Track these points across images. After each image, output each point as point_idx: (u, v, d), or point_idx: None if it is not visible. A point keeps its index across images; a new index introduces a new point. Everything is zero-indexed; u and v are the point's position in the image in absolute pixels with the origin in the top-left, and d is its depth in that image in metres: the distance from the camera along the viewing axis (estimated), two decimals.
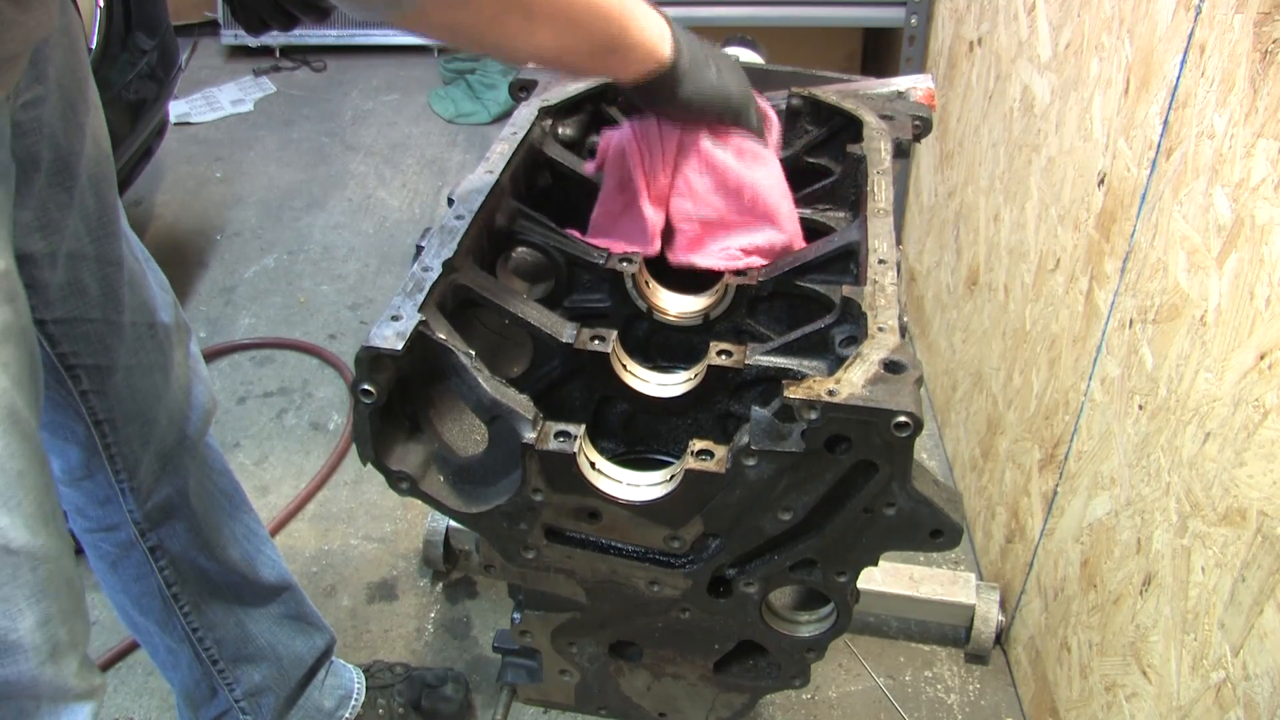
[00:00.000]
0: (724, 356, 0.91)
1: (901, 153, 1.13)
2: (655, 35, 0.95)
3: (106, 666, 1.99)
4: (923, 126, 1.19)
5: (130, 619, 1.53)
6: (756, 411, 0.79)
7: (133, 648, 1.99)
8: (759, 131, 1.07)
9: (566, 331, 0.94)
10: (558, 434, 0.82)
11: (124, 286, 1.25)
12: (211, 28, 4.82)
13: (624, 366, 0.96)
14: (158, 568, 1.43)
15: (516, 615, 1.04)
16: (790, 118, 1.21)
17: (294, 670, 1.65)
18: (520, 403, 0.82)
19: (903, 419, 0.72)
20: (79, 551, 1.46)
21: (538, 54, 0.90)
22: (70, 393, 1.24)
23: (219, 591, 1.51)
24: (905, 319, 0.87)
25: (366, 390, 0.77)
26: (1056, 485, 1.73)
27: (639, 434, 1.06)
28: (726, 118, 1.04)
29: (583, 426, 0.83)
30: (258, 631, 1.58)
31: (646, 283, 1.09)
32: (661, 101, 1.01)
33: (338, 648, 1.77)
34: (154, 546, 1.42)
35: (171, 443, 1.38)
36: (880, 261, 0.91)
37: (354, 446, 0.84)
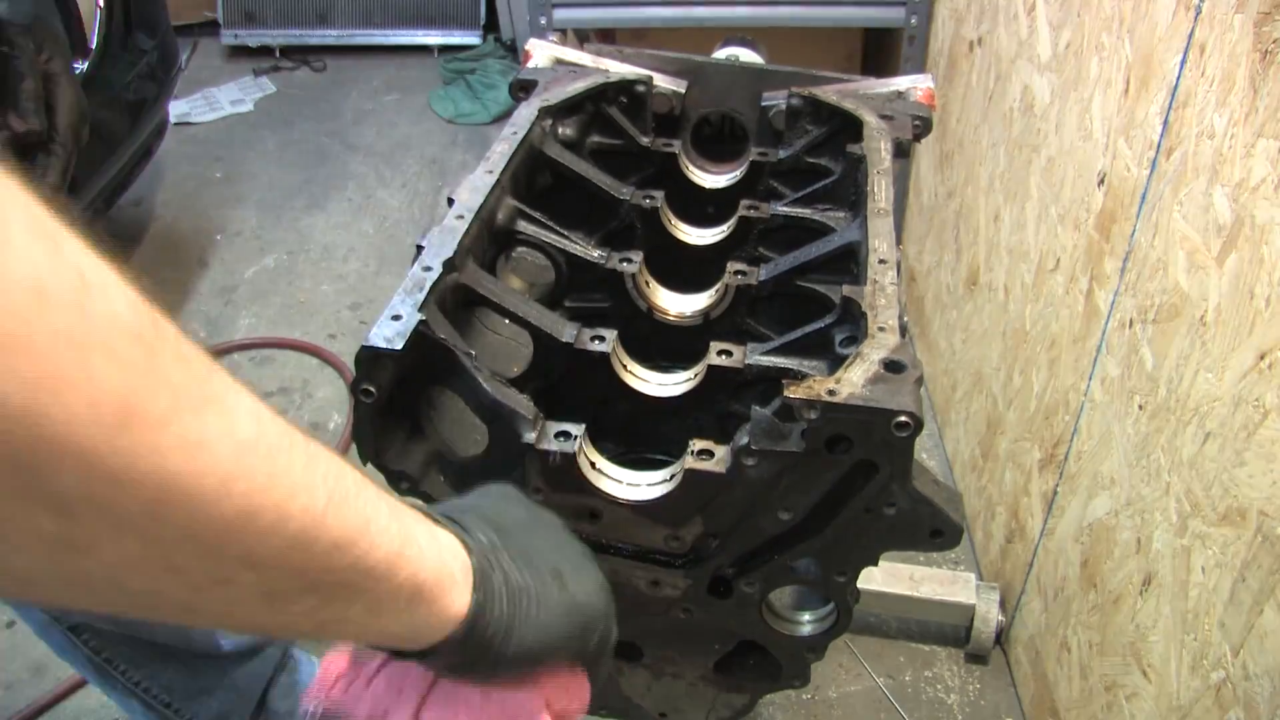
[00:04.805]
0: (724, 356, 0.91)
1: (901, 153, 1.13)
2: (431, 574, 0.54)
3: None
4: (923, 126, 1.19)
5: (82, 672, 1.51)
6: (757, 411, 0.79)
7: None
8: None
9: (566, 331, 0.94)
10: (558, 434, 0.82)
11: None
12: (211, 28, 4.82)
13: (624, 366, 0.96)
14: (81, 641, 1.41)
15: None
16: (790, 118, 1.21)
17: (253, 687, 1.62)
18: (520, 403, 0.82)
19: (903, 419, 0.72)
20: None
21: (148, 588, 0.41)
22: None
23: (154, 647, 1.48)
24: (905, 319, 0.87)
25: (367, 390, 0.77)
26: (1056, 485, 1.72)
27: (639, 434, 1.06)
28: (584, 659, 0.67)
29: (583, 426, 0.83)
30: (206, 668, 1.55)
31: (646, 283, 1.09)
32: (479, 672, 0.61)
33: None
34: (73, 626, 1.39)
35: None
36: (880, 261, 0.91)
37: (354, 446, 0.84)
